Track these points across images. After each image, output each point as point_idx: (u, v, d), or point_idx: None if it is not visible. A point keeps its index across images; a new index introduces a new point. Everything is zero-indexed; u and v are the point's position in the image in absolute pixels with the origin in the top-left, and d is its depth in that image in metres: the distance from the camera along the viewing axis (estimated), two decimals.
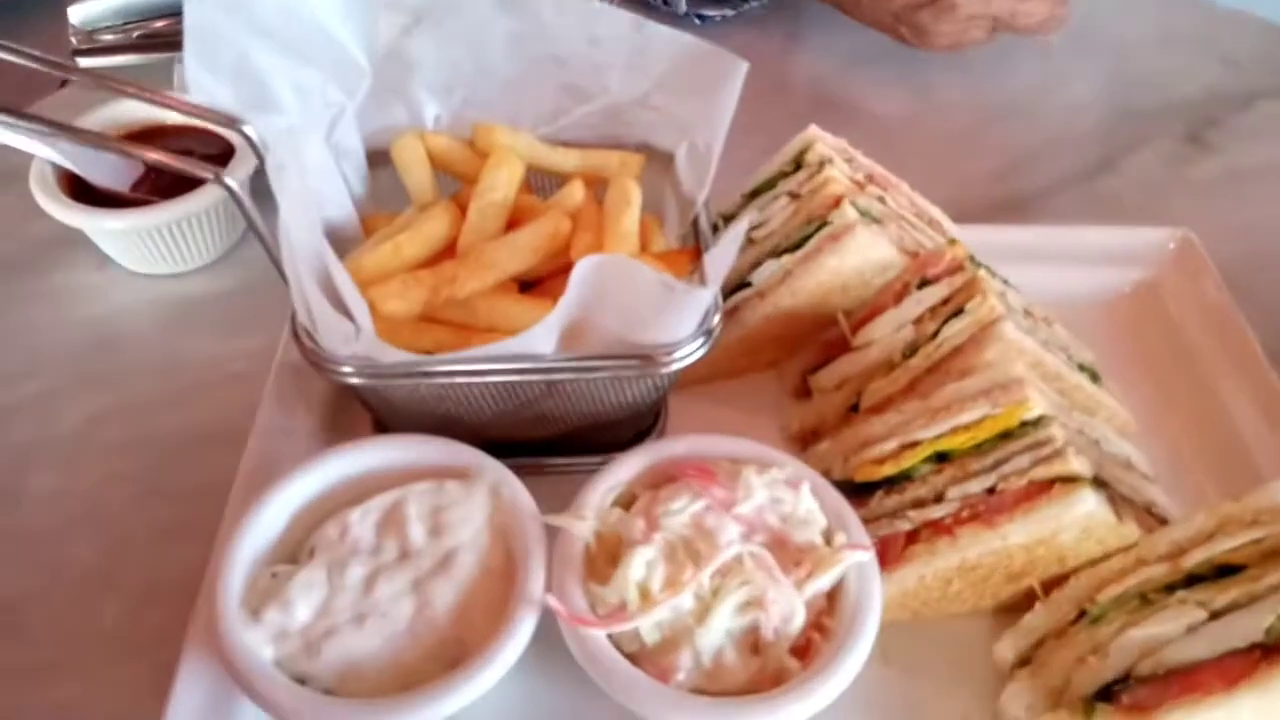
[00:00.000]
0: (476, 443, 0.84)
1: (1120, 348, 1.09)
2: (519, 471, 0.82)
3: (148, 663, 0.80)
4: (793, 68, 1.57)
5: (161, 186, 1.14)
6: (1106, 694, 0.73)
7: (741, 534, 0.76)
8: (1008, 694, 0.78)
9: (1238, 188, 1.36)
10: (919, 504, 0.82)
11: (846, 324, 0.98)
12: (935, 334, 0.90)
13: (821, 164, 0.98)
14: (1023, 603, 0.83)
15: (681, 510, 0.77)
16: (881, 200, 1.02)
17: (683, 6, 1.54)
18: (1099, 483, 0.78)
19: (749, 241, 1.02)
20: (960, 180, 1.34)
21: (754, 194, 1.03)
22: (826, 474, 0.85)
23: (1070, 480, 0.76)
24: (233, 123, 0.83)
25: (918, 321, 0.93)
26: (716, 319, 0.83)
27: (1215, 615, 0.71)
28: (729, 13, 1.57)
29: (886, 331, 0.95)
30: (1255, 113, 1.48)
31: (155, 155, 0.78)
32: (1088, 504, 0.75)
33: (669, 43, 0.93)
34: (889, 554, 0.81)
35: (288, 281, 0.79)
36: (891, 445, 0.85)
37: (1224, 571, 0.73)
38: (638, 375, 0.82)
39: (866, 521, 0.83)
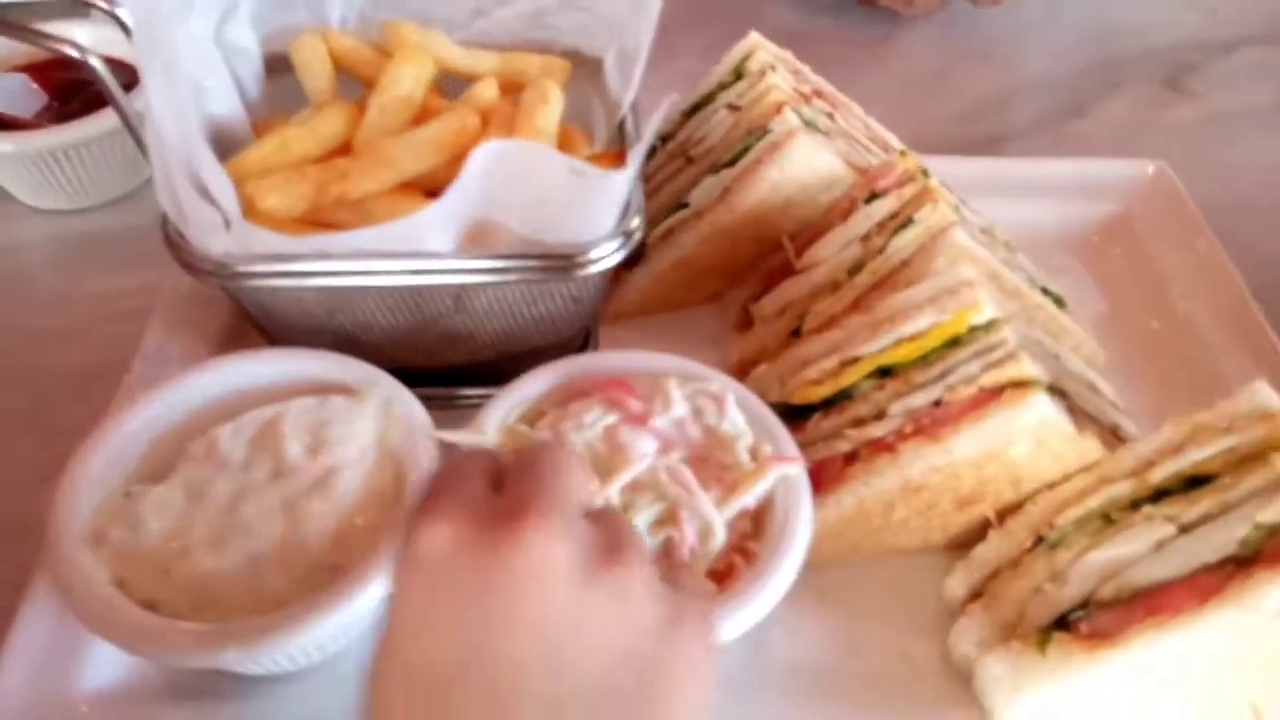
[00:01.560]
0: (382, 368, 0.76)
1: (1092, 282, 1.02)
2: (429, 403, 0.73)
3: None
4: (760, 12, 1.49)
5: (66, 114, 1.06)
6: (1064, 623, 0.65)
7: (658, 449, 0.68)
8: (956, 629, 0.70)
9: (1217, 131, 1.29)
10: (859, 423, 0.74)
11: (791, 246, 0.90)
12: (883, 249, 0.82)
13: (763, 72, 0.91)
14: (977, 537, 0.74)
15: (593, 424, 0.69)
16: (830, 117, 0.94)
17: None
18: (1056, 391, 0.70)
19: (687, 160, 0.94)
20: (923, 121, 1.26)
21: (693, 110, 0.96)
22: (763, 398, 0.77)
23: (1022, 385, 0.68)
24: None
25: (865, 238, 0.85)
26: (637, 221, 0.75)
27: (1185, 530, 0.63)
28: None
29: (833, 251, 0.87)
30: (1237, 58, 1.42)
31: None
32: (1041, 409, 0.67)
33: None
34: (825, 477, 0.73)
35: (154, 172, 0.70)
36: (831, 363, 0.77)
37: (1195, 484, 0.65)
38: (551, 280, 0.74)
39: (803, 446, 0.74)
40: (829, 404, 0.77)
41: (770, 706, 0.70)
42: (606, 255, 0.73)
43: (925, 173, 0.87)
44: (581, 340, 0.89)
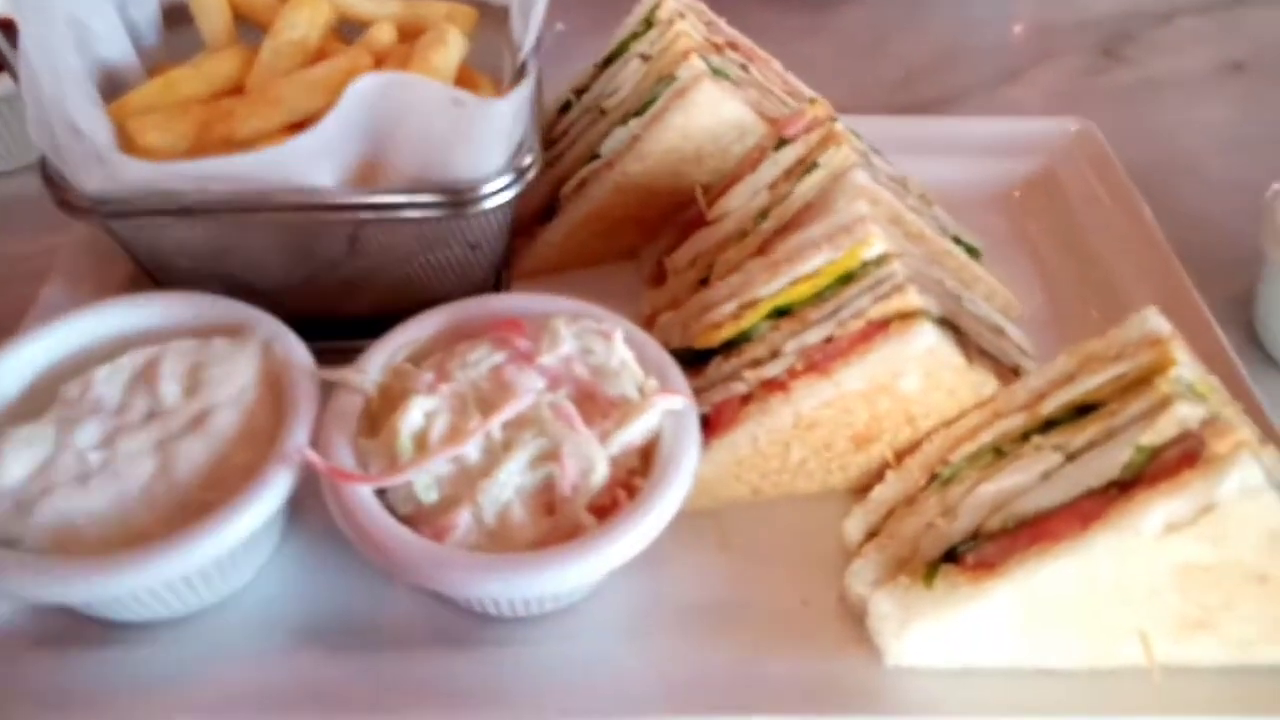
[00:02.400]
0: (283, 317, 0.74)
1: (1015, 237, 1.02)
2: (329, 354, 0.72)
3: None
4: None
5: None
6: (953, 556, 0.63)
7: (544, 386, 0.66)
8: (852, 570, 0.68)
9: (1149, 96, 1.29)
10: (757, 364, 0.72)
11: (704, 198, 0.89)
12: (789, 194, 0.81)
13: (671, 21, 0.89)
14: (877, 479, 0.73)
15: (479, 362, 0.68)
16: (744, 69, 0.93)
17: None
18: (947, 326, 0.69)
19: (600, 113, 0.93)
20: (860, 86, 1.26)
21: (607, 62, 0.94)
22: (666, 344, 0.76)
23: (909, 316, 0.67)
24: None
25: (774, 186, 0.84)
26: (530, 159, 0.74)
27: (1072, 458, 0.62)
28: None
29: (742, 200, 0.86)
30: (1173, 27, 1.42)
31: None
32: (925, 339, 0.66)
33: None
34: (723, 419, 0.72)
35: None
36: (731, 307, 0.76)
37: (1085, 412, 0.64)
38: (442, 218, 0.72)
39: (704, 389, 0.74)
40: (730, 347, 0.75)
41: (668, 647, 0.68)
42: (497, 191, 0.72)
43: (834, 120, 0.86)
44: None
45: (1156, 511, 0.55)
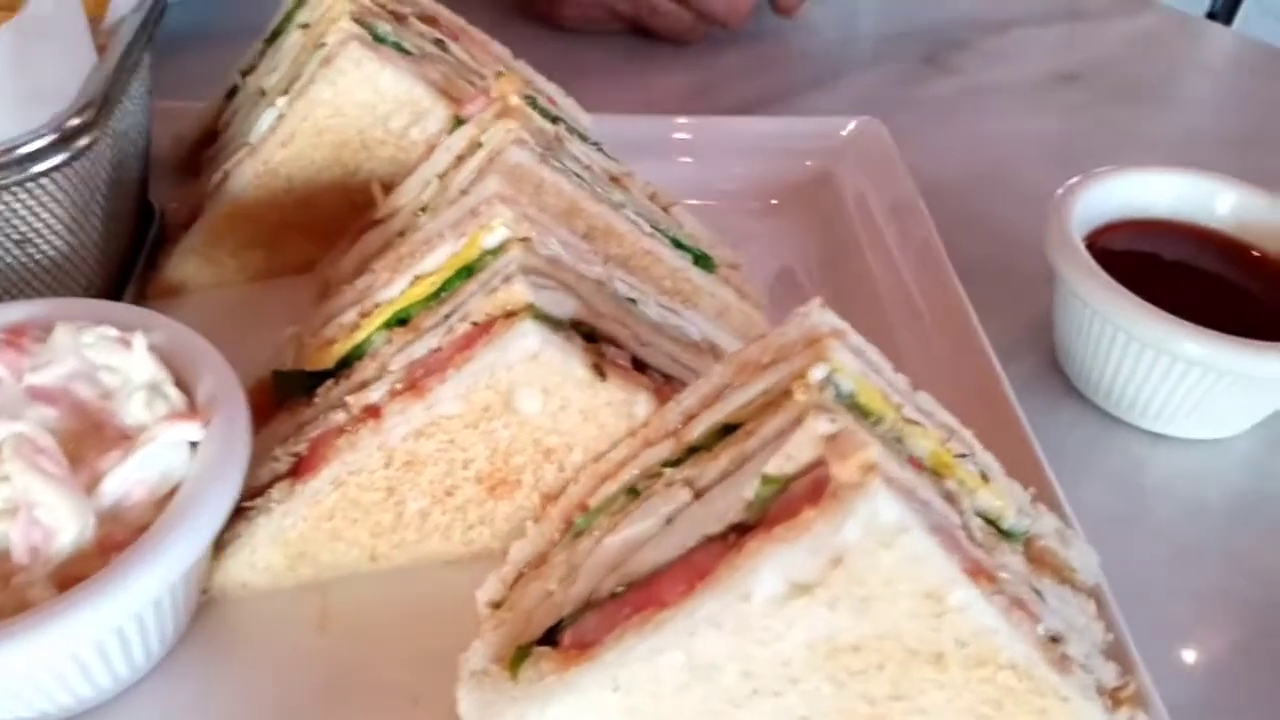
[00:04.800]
0: None
1: (784, 245, 0.87)
2: None
3: None
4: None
5: None
6: (556, 634, 0.47)
7: (29, 413, 0.49)
8: (468, 654, 0.51)
9: (972, 106, 1.17)
10: (364, 386, 0.56)
11: (381, 192, 0.73)
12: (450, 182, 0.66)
13: None
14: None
15: None
16: (441, 45, 0.78)
17: None
18: (581, 329, 0.53)
19: (261, 94, 0.77)
20: (647, 94, 1.12)
21: (272, 37, 0.79)
22: (282, 365, 0.60)
23: (515, 315, 0.51)
24: None
25: (444, 175, 0.69)
26: (92, 117, 0.57)
27: (700, 494, 0.46)
28: None
29: (413, 194, 0.70)
30: (1007, 37, 1.30)
31: None
32: (527, 341, 0.50)
33: None
34: (314, 458, 0.55)
35: None
36: (351, 316, 0.60)
37: (728, 434, 0.48)
38: None
39: (304, 425, 0.57)
40: (346, 366, 0.59)
41: None
42: (22, 160, 0.55)
43: (533, 100, 0.71)
44: None
45: (770, 566, 0.39)
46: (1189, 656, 0.62)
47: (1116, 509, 0.71)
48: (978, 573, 0.42)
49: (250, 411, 0.54)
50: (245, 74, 0.80)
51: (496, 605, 0.53)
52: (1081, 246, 0.74)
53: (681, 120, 0.95)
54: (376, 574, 0.59)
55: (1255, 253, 0.79)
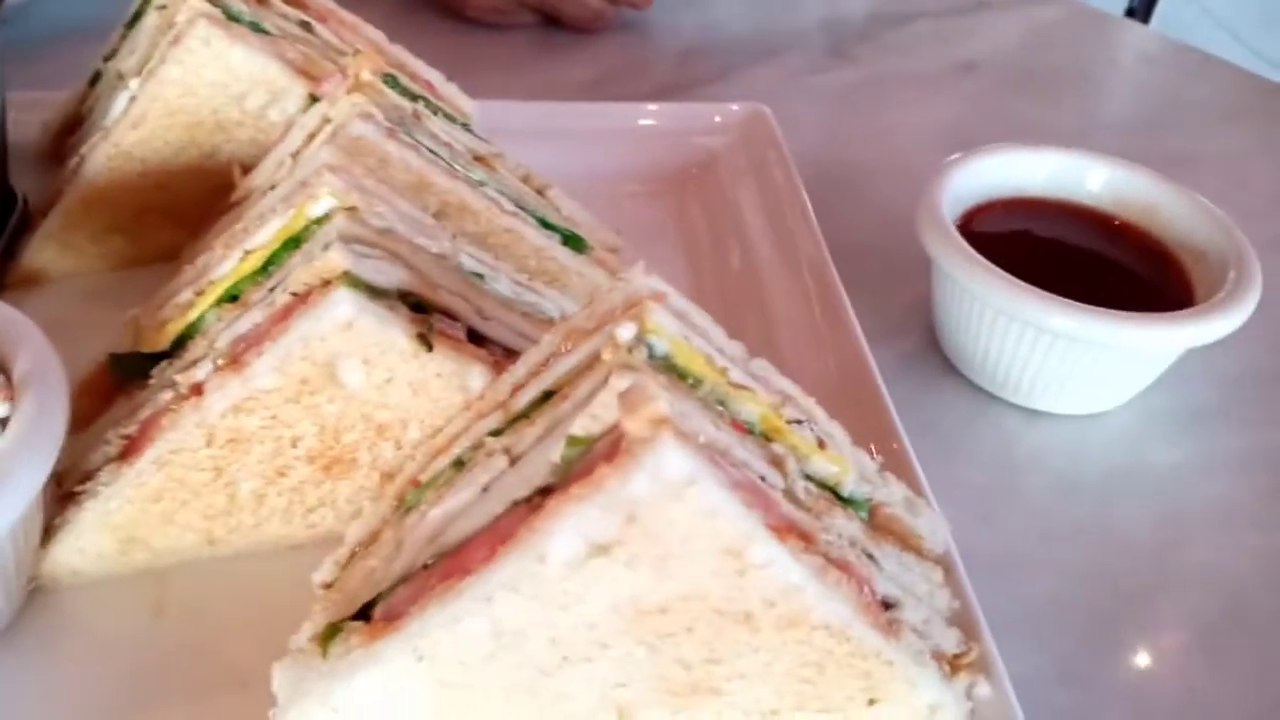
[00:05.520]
0: None
1: (672, 228, 0.88)
2: None
3: None
4: None
5: None
6: (369, 609, 0.45)
7: None
8: (300, 632, 0.50)
9: (874, 96, 1.17)
10: (191, 366, 0.54)
11: (240, 175, 0.71)
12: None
13: None
14: None
15: None
16: (306, 27, 0.77)
17: None
18: (412, 303, 0.52)
19: (119, 77, 0.75)
20: (548, 88, 1.11)
21: (132, 21, 0.77)
22: (121, 348, 0.58)
23: (331, 284, 0.49)
24: None
25: (296, 154, 0.67)
26: None
27: (515, 461, 0.45)
28: None
29: (268, 175, 0.68)
30: (909, 30, 1.31)
31: None
32: (341, 309, 0.48)
33: None
34: (143, 439, 0.53)
35: None
36: (186, 296, 0.58)
37: (547, 400, 0.47)
38: None
39: (138, 407, 0.55)
40: (180, 346, 0.57)
41: None
42: None
43: (393, 80, 0.70)
44: None
45: (566, 526, 0.38)
46: (1043, 629, 0.62)
47: (989, 483, 0.71)
48: (787, 530, 0.41)
49: (72, 391, 0.52)
50: (107, 59, 0.78)
51: (328, 586, 0.52)
52: (950, 225, 0.74)
53: (566, 105, 0.94)
54: (217, 560, 0.57)
55: (1126, 223, 0.80)
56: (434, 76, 0.83)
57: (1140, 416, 0.77)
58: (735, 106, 0.93)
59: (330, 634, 0.45)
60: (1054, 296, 0.69)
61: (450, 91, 0.83)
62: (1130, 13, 1.74)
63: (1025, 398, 0.76)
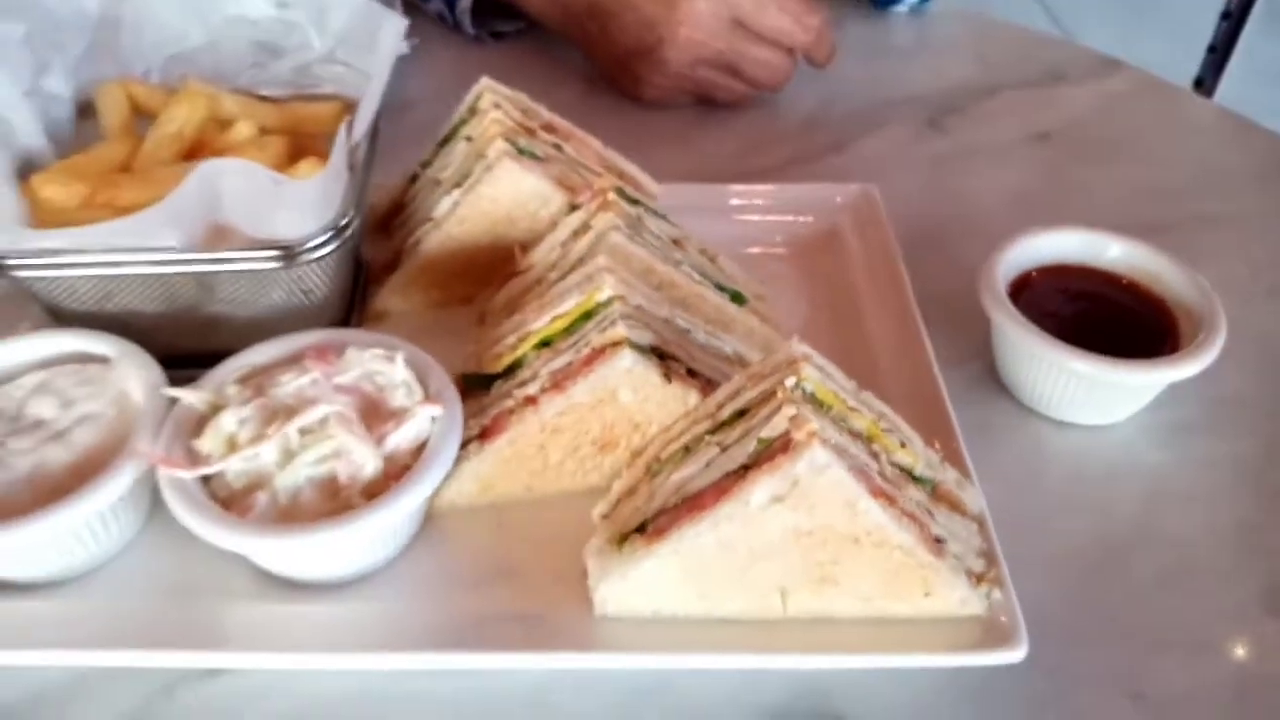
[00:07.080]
0: (159, 352, 0.94)
1: (799, 284, 1.20)
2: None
3: None
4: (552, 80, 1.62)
5: None
6: (643, 528, 0.82)
7: (336, 399, 0.86)
8: (590, 544, 0.86)
9: (962, 163, 1.47)
10: (523, 384, 0.92)
11: (520, 253, 1.08)
12: (570, 251, 1.01)
13: (489, 110, 1.10)
14: (618, 476, 0.92)
15: (289, 382, 0.87)
16: (558, 148, 1.13)
17: (470, 30, 1.66)
18: (655, 352, 0.88)
19: (436, 183, 1.13)
20: (701, 158, 1.45)
21: (445, 141, 1.15)
22: (467, 369, 0.96)
23: (617, 344, 0.86)
24: None
25: (564, 244, 1.04)
26: (347, 220, 0.93)
27: (725, 450, 0.81)
28: (521, 25, 1.69)
29: (543, 255, 1.05)
30: (994, 101, 1.61)
31: None
32: (624, 361, 0.85)
33: (346, 2, 1.06)
34: (496, 427, 0.91)
35: None
36: (511, 339, 0.95)
37: (742, 415, 0.83)
38: (273, 269, 0.92)
39: (488, 406, 0.93)
40: (510, 371, 0.95)
41: (446, 601, 0.86)
42: (317, 247, 0.92)
43: (623, 191, 1.06)
44: None
45: (761, 487, 0.74)
46: (1048, 568, 0.94)
47: (1021, 472, 1.03)
48: (880, 494, 0.76)
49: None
50: (424, 166, 1.16)
51: (605, 517, 0.88)
52: (1003, 291, 1.05)
53: (725, 188, 1.29)
54: (531, 499, 0.94)
55: (1133, 282, 1.10)
56: (633, 170, 1.19)
57: (1138, 427, 1.07)
58: (852, 186, 1.26)
59: (621, 540, 0.81)
60: (1074, 348, 1.01)
61: (643, 179, 1.18)
62: (1198, 83, 1.97)
63: (1054, 411, 1.07)
